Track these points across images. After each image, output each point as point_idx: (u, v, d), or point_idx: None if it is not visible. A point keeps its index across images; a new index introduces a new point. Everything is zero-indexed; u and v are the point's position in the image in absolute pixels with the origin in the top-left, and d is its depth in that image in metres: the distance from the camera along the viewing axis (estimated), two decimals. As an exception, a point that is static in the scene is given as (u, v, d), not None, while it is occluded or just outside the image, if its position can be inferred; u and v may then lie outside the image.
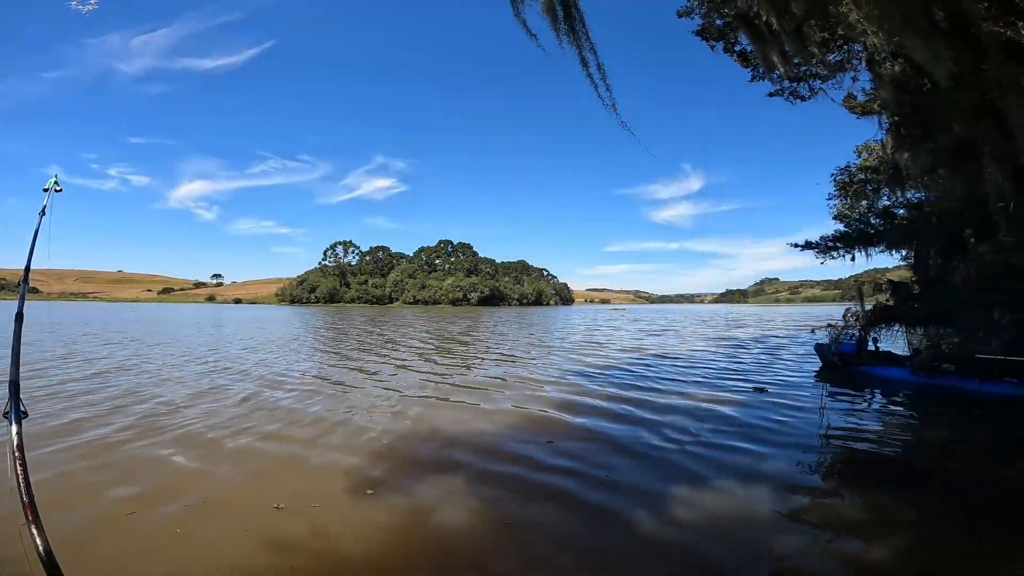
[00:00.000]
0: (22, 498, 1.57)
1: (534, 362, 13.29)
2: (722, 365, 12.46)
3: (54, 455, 5.07)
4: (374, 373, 11.30)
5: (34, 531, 1.52)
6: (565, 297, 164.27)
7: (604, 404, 7.93)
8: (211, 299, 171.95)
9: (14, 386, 1.81)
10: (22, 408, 1.78)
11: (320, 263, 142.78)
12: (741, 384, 9.63)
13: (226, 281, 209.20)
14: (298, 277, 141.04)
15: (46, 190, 2.47)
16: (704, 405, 7.80)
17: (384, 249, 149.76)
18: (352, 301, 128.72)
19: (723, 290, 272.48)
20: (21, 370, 1.87)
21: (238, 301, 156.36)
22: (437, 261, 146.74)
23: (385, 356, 14.79)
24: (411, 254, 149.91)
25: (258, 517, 3.78)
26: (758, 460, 5.20)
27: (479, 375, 11.05)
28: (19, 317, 2.06)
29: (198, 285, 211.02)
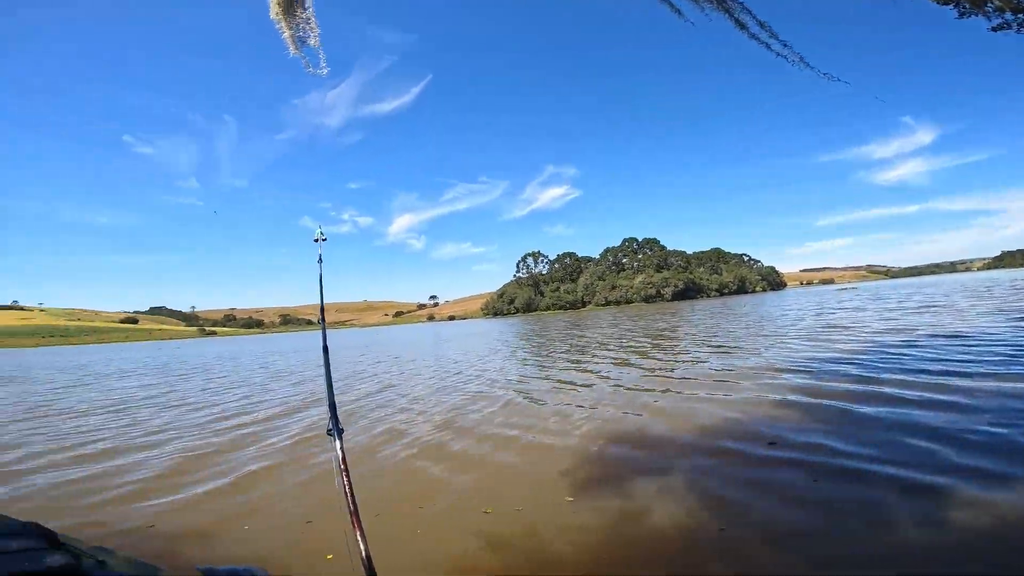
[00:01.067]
0: (349, 507, 1.68)
1: (764, 351, 11.86)
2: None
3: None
4: (594, 372, 11.36)
5: (358, 537, 1.62)
6: (774, 282, 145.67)
7: (868, 389, 6.61)
8: (431, 318, 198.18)
9: (332, 407, 1.96)
10: (340, 425, 1.91)
11: (515, 276, 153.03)
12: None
13: (440, 301, 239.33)
14: (498, 291, 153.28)
15: (316, 240, 2.69)
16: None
17: (571, 255, 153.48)
18: (547, 309, 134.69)
19: (996, 253, 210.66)
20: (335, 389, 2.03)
21: (452, 318, 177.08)
22: (624, 260, 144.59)
23: (598, 355, 14.82)
24: (597, 256, 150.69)
25: (476, 518, 3.87)
26: None
27: (702, 368, 10.26)
28: (325, 349, 2.30)
29: (420, 307, 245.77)
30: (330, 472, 4.77)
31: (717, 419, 6.02)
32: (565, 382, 9.99)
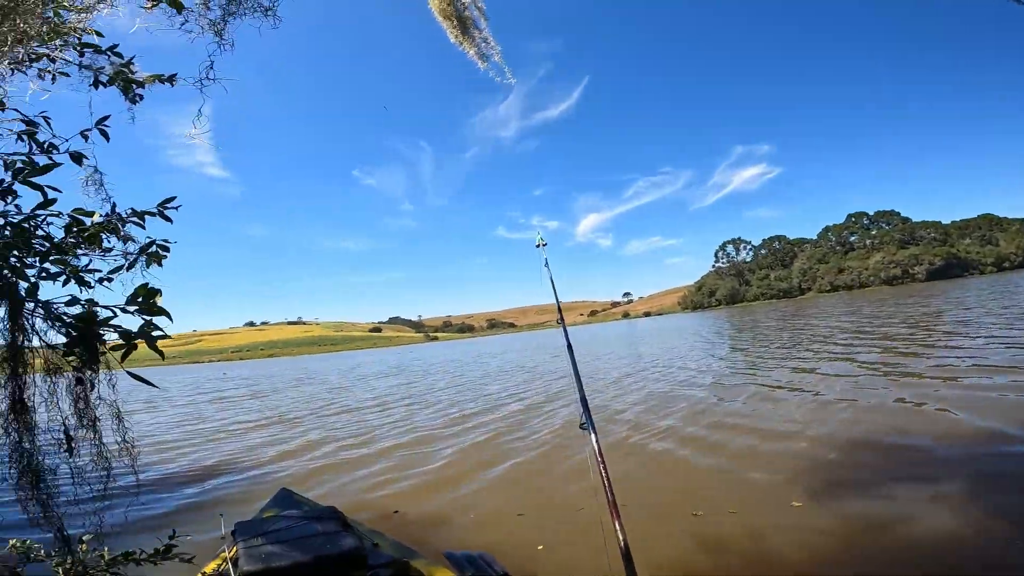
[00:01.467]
0: (607, 497, 1.69)
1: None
2: None
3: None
4: (820, 369, 10.66)
5: (616, 527, 1.63)
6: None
7: None
8: (625, 315, 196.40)
9: (584, 402, 2.03)
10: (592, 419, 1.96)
11: (714, 266, 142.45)
12: None
13: (634, 297, 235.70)
14: (695, 283, 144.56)
15: (538, 246, 2.88)
16: None
17: (780, 238, 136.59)
18: (755, 299, 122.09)
19: None
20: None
21: (647, 314, 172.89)
22: (852, 239, 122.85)
23: (825, 349, 13.70)
24: (815, 237, 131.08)
25: (685, 520, 3.79)
26: None
27: (982, 361, 8.97)
28: (570, 347, 2.42)
29: (614, 304, 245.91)
30: (521, 466, 5.68)
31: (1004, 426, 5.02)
32: (783, 382, 9.15)
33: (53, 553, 1.95)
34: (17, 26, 1.53)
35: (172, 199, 1.96)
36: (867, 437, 5.28)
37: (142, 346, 1.67)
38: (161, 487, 5.96)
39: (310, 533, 2.27)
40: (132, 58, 2.14)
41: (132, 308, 1.62)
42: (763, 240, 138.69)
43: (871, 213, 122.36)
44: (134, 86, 2.17)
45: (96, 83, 2.09)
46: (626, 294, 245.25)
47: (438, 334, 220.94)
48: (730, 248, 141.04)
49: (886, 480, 4.10)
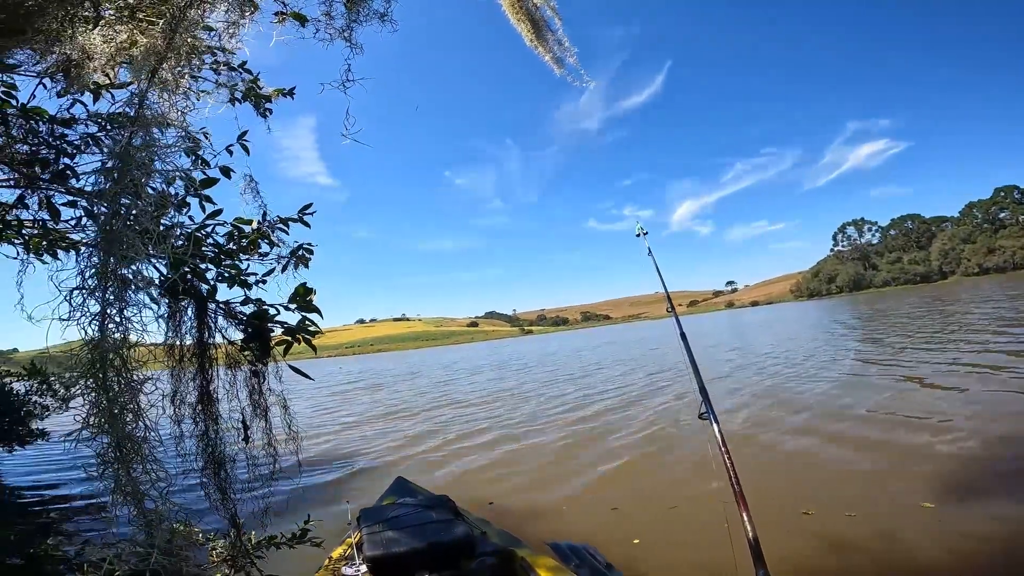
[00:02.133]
0: (733, 487, 1.65)
1: None
2: None
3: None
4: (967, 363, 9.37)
5: (744, 518, 1.58)
6: None
7: None
8: (730, 305, 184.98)
9: (704, 392, 2.01)
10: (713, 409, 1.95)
11: (833, 250, 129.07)
12: None
13: (739, 286, 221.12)
14: (811, 269, 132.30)
15: (638, 235, 2.91)
16: None
17: (914, 217, 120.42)
18: (885, 284, 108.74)
19: None
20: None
21: (755, 303, 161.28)
22: (1002, 215, 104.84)
23: (991, 342, 12.01)
24: (955, 215, 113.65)
25: (795, 519, 3.68)
26: None
27: None
28: (683, 336, 2.42)
29: (716, 294, 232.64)
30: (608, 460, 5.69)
31: None
32: (920, 376, 8.35)
33: (211, 537, 2.11)
34: (188, 46, 1.55)
35: (309, 206, 2.05)
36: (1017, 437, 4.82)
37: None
38: (293, 475, 6.50)
39: (426, 520, 2.37)
40: (259, 74, 2.22)
41: (293, 306, 1.74)
42: (892, 220, 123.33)
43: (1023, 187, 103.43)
44: (263, 101, 2.26)
45: (232, 100, 2.18)
46: (730, 283, 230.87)
47: (532, 327, 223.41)
48: (851, 230, 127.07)
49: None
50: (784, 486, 4.36)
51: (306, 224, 2.06)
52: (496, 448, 6.98)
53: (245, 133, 2.08)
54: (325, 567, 2.32)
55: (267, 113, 2.28)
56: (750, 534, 1.53)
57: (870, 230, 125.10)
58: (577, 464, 5.76)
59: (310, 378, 1.84)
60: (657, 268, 2.77)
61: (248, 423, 1.79)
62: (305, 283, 1.75)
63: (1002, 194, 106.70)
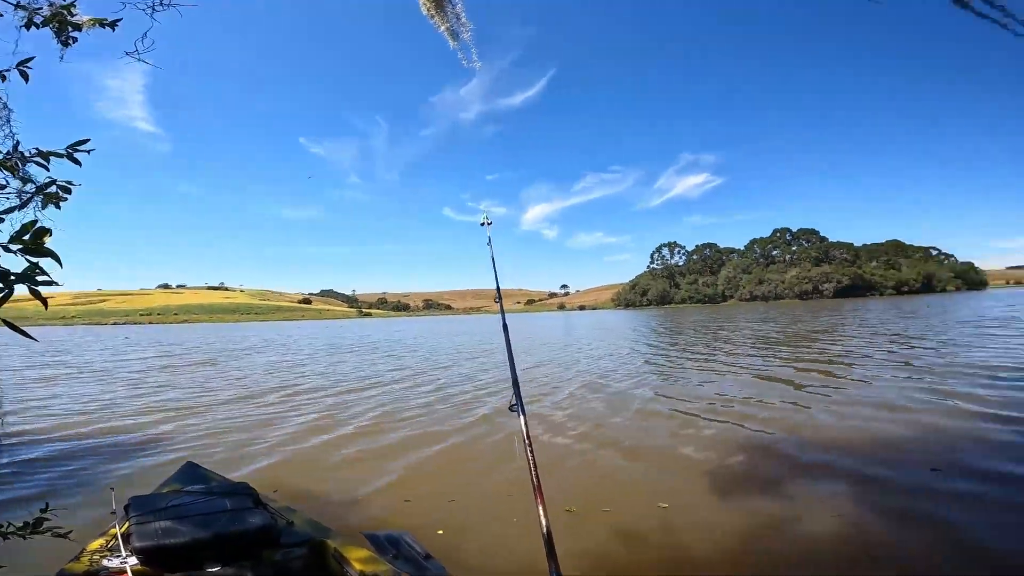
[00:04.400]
0: (533, 481, 1.69)
1: (944, 354, 10.23)
2: None
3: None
4: (728, 370, 10.91)
5: (540, 511, 1.63)
6: (972, 280, 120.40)
7: None
8: (561, 307, 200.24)
9: (516, 384, 2.01)
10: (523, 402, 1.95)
11: (649, 267, 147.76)
12: None
13: (571, 290, 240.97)
14: (630, 282, 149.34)
15: (482, 224, 2.80)
16: None
17: (711, 246, 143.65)
18: (683, 301, 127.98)
19: None
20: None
21: (582, 308, 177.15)
22: (775, 252, 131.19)
23: (743, 354, 14.09)
24: (742, 248, 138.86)
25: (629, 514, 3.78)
26: None
27: (870, 372, 9.27)
28: (505, 328, 2.40)
29: (551, 295, 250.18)
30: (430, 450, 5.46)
31: (864, 438, 5.33)
32: (700, 383, 9.54)
33: None
34: None
35: (85, 141, 1.82)
36: (764, 439, 5.49)
37: (30, 304, 1.66)
38: (40, 461, 5.45)
39: (216, 509, 2.16)
40: (74, 1, 2.02)
41: (16, 247, 1.47)
42: (696, 246, 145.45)
43: (794, 230, 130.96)
44: (70, 28, 2.05)
45: (29, 24, 1.97)
46: (564, 286, 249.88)
47: (372, 311, 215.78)
48: (665, 251, 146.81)
49: (790, 477, 4.35)
50: (590, 481, 4.55)
51: (76, 162, 1.80)
52: (305, 436, 6.45)
53: (29, 60, 1.88)
54: (78, 559, 2.04)
55: (70, 42, 2.07)
56: (544, 528, 1.56)
57: (679, 253, 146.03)
58: (391, 454, 5.55)
59: (32, 338, 1.53)
60: (492, 259, 2.73)
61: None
62: (36, 220, 1.50)
63: (777, 234, 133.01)
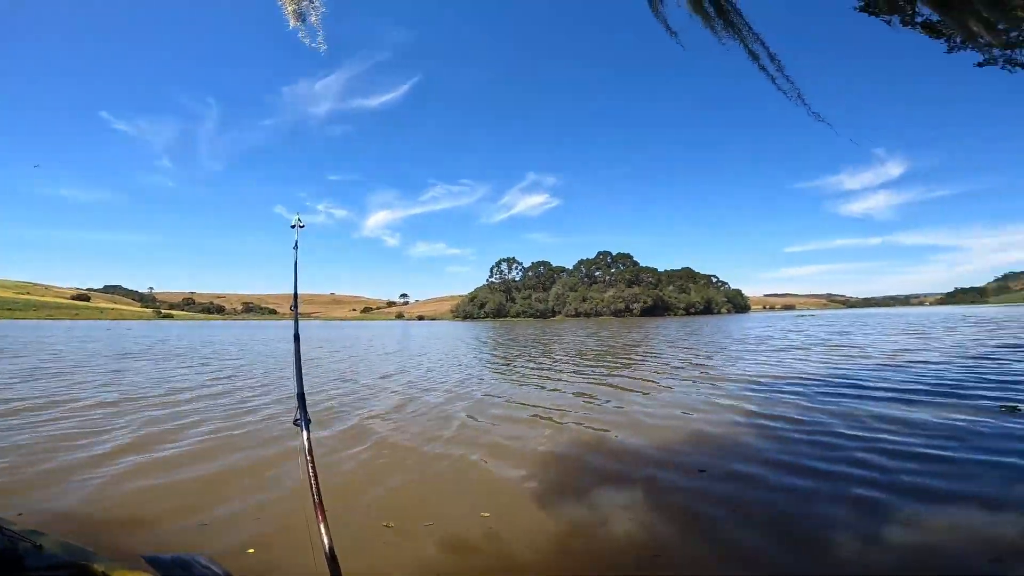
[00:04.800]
0: (313, 498, 1.66)
1: (717, 367, 12.66)
2: (956, 376, 10.43)
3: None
4: (549, 383, 11.88)
5: (322, 529, 1.59)
6: (739, 304, 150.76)
7: (793, 414, 7.19)
8: (400, 316, 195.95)
9: (301, 398, 1.96)
10: (308, 416, 1.92)
11: (488, 280, 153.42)
12: (984, 400, 7.93)
13: (411, 300, 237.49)
14: (469, 294, 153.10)
15: (293, 227, 2.67)
16: (931, 420, 6.65)
17: (545, 264, 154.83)
18: (517, 315, 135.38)
19: (950, 289, 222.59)
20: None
21: (421, 318, 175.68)
22: (597, 273, 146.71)
23: (565, 366, 15.40)
24: (571, 267, 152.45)
25: (439, 521, 3.88)
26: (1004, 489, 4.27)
27: (665, 382, 10.96)
28: (296, 338, 2.31)
29: (390, 304, 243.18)
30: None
31: (657, 439, 6.10)
32: (525, 393, 10.08)
33: None
34: None
35: None
36: (592, 440, 6.02)
37: None
38: None
39: None
40: None
41: None
42: (532, 263, 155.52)
43: (614, 253, 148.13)
44: None
45: None
46: (403, 295, 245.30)
47: (174, 312, 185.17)
48: (504, 266, 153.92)
49: (597, 484, 4.60)
50: (437, 488, 4.59)
51: None
52: (62, 446, 5.84)
53: None
54: None
55: None
56: (326, 544, 1.53)
57: (516, 268, 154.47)
58: (177, 470, 5.09)
59: None
60: (295, 265, 2.58)
61: None
62: None
63: (600, 256, 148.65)
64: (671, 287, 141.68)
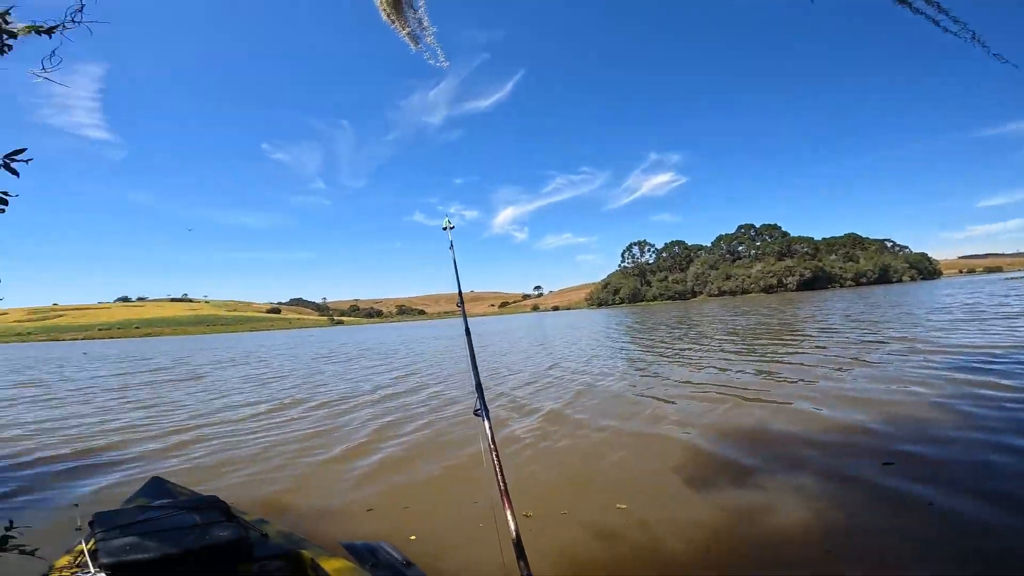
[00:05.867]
0: (499, 486, 1.68)
1: (922, 338, 11.15)
2: None
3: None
4: (721, 363, 11.37)
5: (508, 515, 1.62)
6: (926, 270, 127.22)
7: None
8: (535, 308, 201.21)
9: (479, 388, 2.02)
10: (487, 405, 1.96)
11: (619, 265, 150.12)
12: None
13: (544, 291, 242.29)
14: (602, 281, 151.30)
15: (445, 229, 2.76)
16: None
17: (679, 243, 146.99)
18: (654, 299, 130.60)
19: None
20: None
21: (556, 308, 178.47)
22: (740, 248, 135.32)
23: (731, 345, 14.63)
24: (709, 244, 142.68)
25: (590, 513, 3.79)
26: None
27: (854, 355, 10.02)
28: (468, 332, 2.42)
29: (524, 297, 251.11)
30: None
31: (827, 427, 5.43)
32: (676, 380, 9.51)
33: None
34: None
35: (22, 151, 1.77)
36: (740, 431, 5.57)
37: None
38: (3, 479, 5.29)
39: (185, 524, 2.12)
40: (9, 9, 1.99)
41: None
42: (665, 244, 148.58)
43: (758, 225, 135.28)
44: (5, 36, 2.02)
45: None
46: (537, 288, 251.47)
47: (344, 318, 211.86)
48: (635, 249, 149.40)
49: (763, 470, 4.33)
50: (571, 481, 4.51)
51: (13, 172, 1.73)
52: (273, 446, 6.35)
53: None
54: None
55: (5, 50, 2.03)
56: (512, 531, 1.55)
57: (649, 251, 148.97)
58: (361, 462, 5.48)
59: None
60: (455, 264, 2.74)
61: None
62: None
63: (742, 230, 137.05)
64: (833, 256, 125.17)
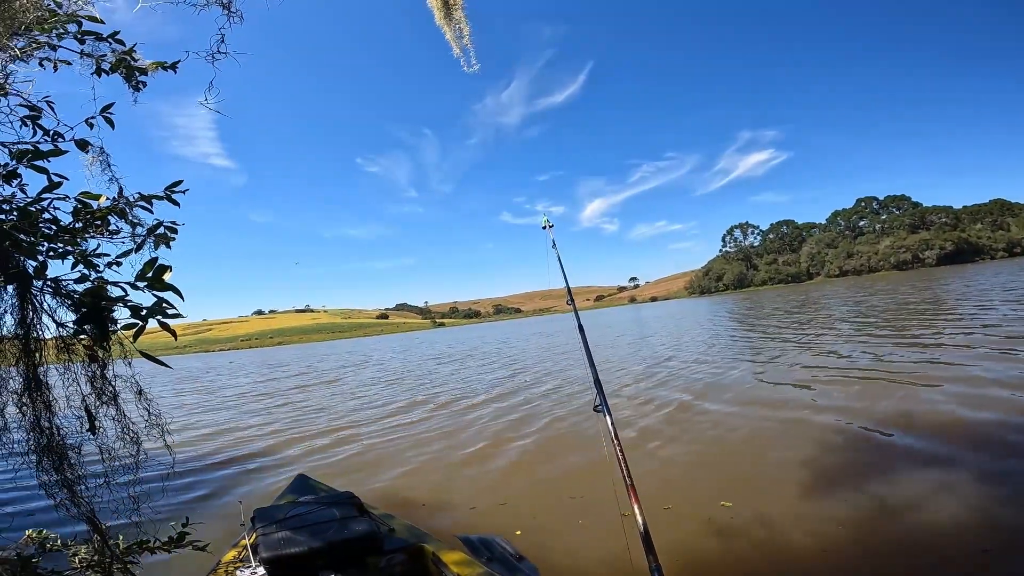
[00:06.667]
0: (625, 480, 1.68)
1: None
2: None
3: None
4: (868, 351, 10.42)
5: (635, 509, 1.64)
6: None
7: None
8: (632, 300, 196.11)
9: (598, 384, 2.02)
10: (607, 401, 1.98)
11: (721, 250, 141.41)
12: None
13: (640, 282, 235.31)
14: (703, 268, 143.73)
15: (544, 228, 2.83)
16: None
17: (788, 223, 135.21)
18: (763, 283, 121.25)
19: None
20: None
21: (654, 299, 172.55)
22: (861, 223, 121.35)
23: (875, 330, 13.41)
24: (823, 221, 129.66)
25: (705, 505, 3.73)
26: None
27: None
28: (581, 328, 2.49)
29: (620, 289, 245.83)
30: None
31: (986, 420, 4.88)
32: (793, 372, 9.00)
33: (69, 543, 1.90)
34: (13, 14, 1.47)
35: (179, 183, 1.92)
36: (874, 425, 5.20)
37: (152, 337, 1.61)
38: (172, 476, 6.06)
39: (327, 518, 2.31)
40: (134, 46, 2.11)
41: (142, 284, 1.56)
42: (771, 225, 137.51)
43: (881, 198, 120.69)
44: (137, 73, 2.13)
45: (99, 71, 2.05)
46: (632, 279, 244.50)
47: (444, 320, 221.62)
48: (737, 233, 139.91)
49: (903, 465, 4.10)
50: (689, 476, 4.49)
51: (174, 203, 1.91)
52: (398, 443, 6.84)
53: (110, 106, 1.95)
54: (215, 571, 2.21)
55: (140, 86, 2.16)
56: (640, 524, 1.56)
57: (753, 233, 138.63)
58: (482, 457, 5.76)
59: (167, 366, 1.65)
60: (560, 261, 2.75)
61: (93, 411, 1.57)
62: (156, 258, 1.58)
63: (862, 204, 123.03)
64: (979, 226, 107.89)
